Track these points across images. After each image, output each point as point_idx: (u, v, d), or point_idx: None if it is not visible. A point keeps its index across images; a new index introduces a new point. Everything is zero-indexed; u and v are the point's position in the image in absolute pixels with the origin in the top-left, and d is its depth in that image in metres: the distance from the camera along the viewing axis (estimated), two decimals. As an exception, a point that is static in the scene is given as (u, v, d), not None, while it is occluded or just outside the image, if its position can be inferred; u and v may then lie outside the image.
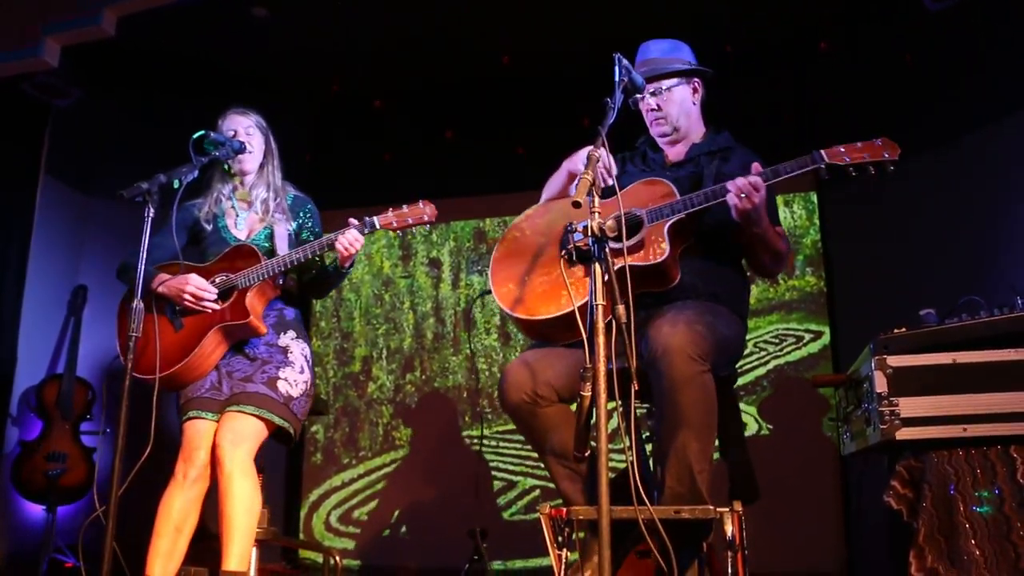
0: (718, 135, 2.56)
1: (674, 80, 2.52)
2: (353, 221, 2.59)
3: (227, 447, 2.42)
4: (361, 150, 5.43)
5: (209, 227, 2.75)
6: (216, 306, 2.57)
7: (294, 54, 5.01)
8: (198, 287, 2.55)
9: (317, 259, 2.66)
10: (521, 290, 2.33)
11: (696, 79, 2.56)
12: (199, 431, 2.50)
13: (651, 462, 2.52)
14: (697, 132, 2.58)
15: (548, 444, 2.27)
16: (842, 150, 2.18)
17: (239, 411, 2.47)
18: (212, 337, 2.55)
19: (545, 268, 2.34)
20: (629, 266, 1.96)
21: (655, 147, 2.60)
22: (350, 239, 2.56)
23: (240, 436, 2.45)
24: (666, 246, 2.18)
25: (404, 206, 2.63)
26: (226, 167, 2.78)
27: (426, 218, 2.60)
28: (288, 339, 2.67)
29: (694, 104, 2.57)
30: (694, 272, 2.30)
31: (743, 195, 2.15)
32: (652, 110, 2.53)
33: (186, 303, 2.56)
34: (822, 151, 2.18)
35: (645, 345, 2.13)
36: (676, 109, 2.52)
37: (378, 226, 2.60)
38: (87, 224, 4.91)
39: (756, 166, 2.20)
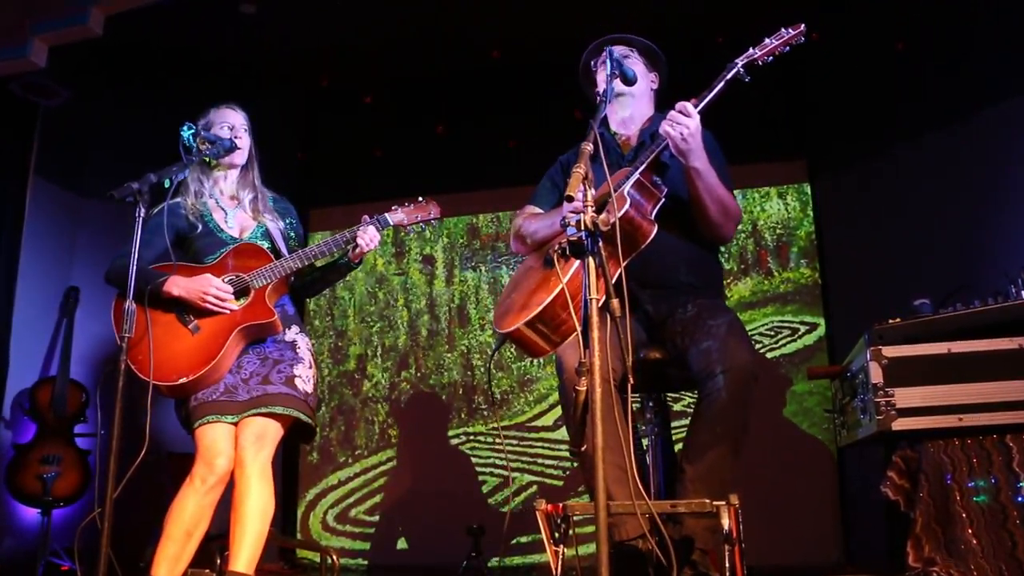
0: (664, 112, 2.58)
1: (641, 56, 2.65)
2: (367, 218, 2.65)
3: (250, 449, 2.40)
4: (351, 146, 5.40)
5: (199, 225, 2.65)
6: (234, 306, 2.53)
7: (283, 50, 4.99)
8: (220, 288, 2.50)
9: (340, 256, 2.71)
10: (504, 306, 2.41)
11: (655, 72, 2.70)
12: (219, 436, 2.44)
13: (648, 456, 2.51)
14: (647, 114, 2.67)
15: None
16: (752, 50, 2.44)
17: (268, 412, 2.44)
18: (235, 338, 2.50)
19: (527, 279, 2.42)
20: (593, 228, 1.79)
21: (610, 130, 2.66)
22: (372, 235, 2.63)
23: (264, 440, 2.43)
24: (627, 202, 2.28)
25: (410, 204, 2.73)
26: (211, 162, 2.69)
27: (432, 215, 2.72)
28: (293, 334, 2.65)
29: (651, 88, 2.69)
30: (679, 259, 2.45)
31: (675, 123, 2.27)
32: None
33: (208, 305, 2.50)
34: (736, 60, 2.41)
35: (699, 350, 2.26)
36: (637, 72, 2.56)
37: (391, 223, 2.69)
38: (78, 225, 4.87)
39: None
